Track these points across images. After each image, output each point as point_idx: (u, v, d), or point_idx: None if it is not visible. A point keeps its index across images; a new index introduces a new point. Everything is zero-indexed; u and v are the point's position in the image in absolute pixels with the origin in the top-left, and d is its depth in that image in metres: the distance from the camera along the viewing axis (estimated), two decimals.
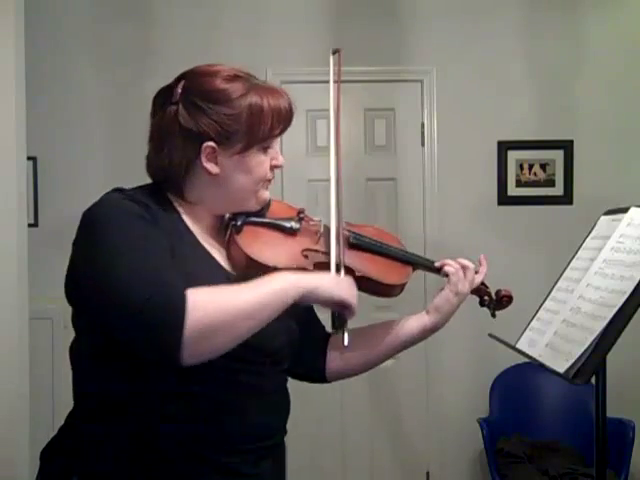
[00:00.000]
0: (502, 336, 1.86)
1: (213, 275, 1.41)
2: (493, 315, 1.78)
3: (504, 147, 4.04)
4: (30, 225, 3.24)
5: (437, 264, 1.71)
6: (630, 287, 1.52)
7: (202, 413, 1.35)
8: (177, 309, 1.20)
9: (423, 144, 4.07)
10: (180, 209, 1.45)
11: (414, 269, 1.69)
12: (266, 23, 4.01)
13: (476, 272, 1.72)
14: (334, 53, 1.66)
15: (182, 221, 1.44)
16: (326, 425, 4.04)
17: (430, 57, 4.04)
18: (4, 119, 2.86)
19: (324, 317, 1.70)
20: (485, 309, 1.78)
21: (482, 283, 1.75)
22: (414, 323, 1.68)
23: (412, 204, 4.06)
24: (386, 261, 1.65)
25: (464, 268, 1.69)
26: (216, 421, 1.36)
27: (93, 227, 1.32)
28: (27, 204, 3.15)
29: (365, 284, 1.55)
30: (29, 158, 3.31)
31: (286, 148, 4.00)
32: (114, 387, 1.35)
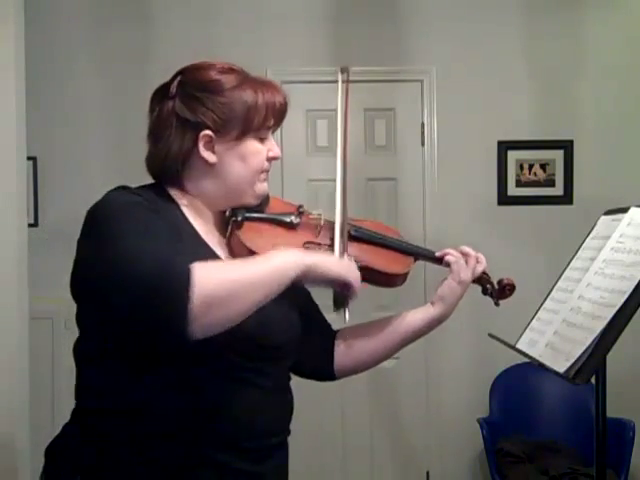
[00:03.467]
0: (502, 336, 1.86)
1: None
2: (497, 304, 1.76)
3: (504, 147, 4.04)
4: (30, 225, 3.24)
5: (438, 254, 1.71)
6: (630, 287, 1.51)
7: (202, 410, 1.36)
8: (183, 278, 1.20)
9: (423, 144, 4.07)
10: (182, 204, 1.47)
11: (415, 260, 1.69)
12: (266, 23, 4.01)
13: (477, 261, 1.70)
14: (343, 72, 1.71)
15: (184, 216, 1.45)
16: (326, 425, 4.04)
17: (430, 57, 4.04)
18: (4, 119, 2.86)
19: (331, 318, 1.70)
20: (488, 300, 1.76)
21: (483, 272, 1.73)
22: (420, 315, 1.67)
23: (412, 204, 4.06)
24: (387, 252, 1.65)
25: (466, 256, 1.69)
26: (216, 418, 1.37)
27: (99, 219, 1.34)
28: (27, 204, 3.15)
29: (368, 274, 1.55)
30: (29, 158, 3.31)
31: (286, 148, 4.00)
32: (116, 385, 1.36)
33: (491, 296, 1.75)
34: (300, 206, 1.59)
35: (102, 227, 1.32)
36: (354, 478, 4.05)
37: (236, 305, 1.25)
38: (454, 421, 4.02)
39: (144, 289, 1.20)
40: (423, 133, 4.06)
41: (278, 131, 4.38)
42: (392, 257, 1.65)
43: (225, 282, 1.25)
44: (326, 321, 1.72)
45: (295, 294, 1.58)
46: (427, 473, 4.07)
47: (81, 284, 1.38)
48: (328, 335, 1.70)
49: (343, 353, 1.67)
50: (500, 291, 1.75)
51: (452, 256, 1.69)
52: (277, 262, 1.32)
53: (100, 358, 1.38)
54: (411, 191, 4.07)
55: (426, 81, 4.04)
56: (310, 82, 3.99)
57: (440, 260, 1.71)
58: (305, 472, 4.00)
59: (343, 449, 4.05)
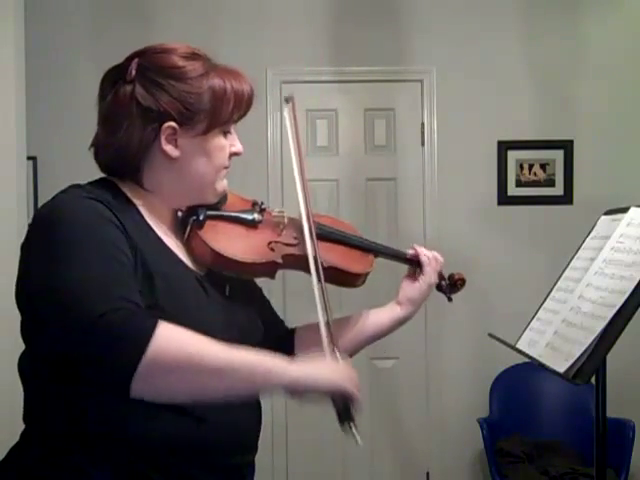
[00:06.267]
0: (502, 336, 1.87)
1: (182, 275, 1.32)
2: (450, 299, 1.78)
3: (504, 147, 4.04)
4: None
5: (410, 252, 1.68)
6: (630, 287, 1.52)
7: (179, 426, 1.25)
8: (142, 330, 1.09)
9: (423, 144, 4.06)
10: (136, 202, 1.35)
11: (376, 257, 1.66)
12: (266, 23, 4.01)
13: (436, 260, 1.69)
14: (287, 102, 1.58)
15: (141, 216, 1.33)
16: (326, 425, 4.02)
17: (430, 57, 4.04)
18: (4, 119, 2.87)
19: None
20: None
21: None
22: (386, 316, 1.63)
23: (412, 204, 4.06)
24: (348, 250, 1.61)
25: (435, 258, 1.67)
26: (190, 437, 1.26)
27: (53, 227, 1.22)
28: (27, 204, 3.15)
29: (331, 275, 1.51)
30: (29, 158, 3.31)
31: (286, 148, 4.00)
32: (76, 404, 1.23)
33: (444, 292, 1.76)
34: (256, 202, 1.51)
35: (58, 236, 1.19)
36: (354, 478, 4.05)
37: (189, 381, 1.12)
38: (454, 421, 4.01)
39: (90, 329, 1.08)
40: (423, 133, 4.06)
41: (278, 131, 4.40)
42: (354, 255, 1.61)
43: (186, 351, 1.11)
44: (280, 319, 1.63)
45: (250, 294, 1.51)
46: (427, 473, 4.06)
47: (24, 296, 1.27)
48: (286, 336, 1.61)
49: (302, 354, 1.52)
50: (452, 286, 1.76)
51: (426, 257, 1.65)
52: (260, 361, 1.18)
53: (51, 376, 1.25)
54: (411, 191, 4.07)
55: (426, 81, 4.04)
56: (310, 82, 3.99)
57: (404, 259, 1.69)
58: (305, 472, 4.00)
59: (343, 449, 4.04)
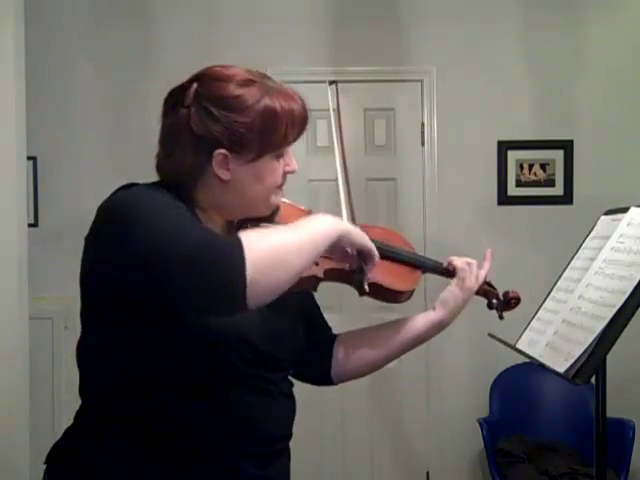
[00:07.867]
0: (502, 336, 1.87)
1: None
2: (501, 317, 1.76)
3: (504, 147, 4.04)
4: (30, 225, 3.24)
5: (445, 265, 1.70)
6: (630, 287, 1.52)
7: (211, 416, 1.36)
8: (234, 248, 1.18)
9: (423, 144, 4.07)
10: (194, 205, 1.43)
11: (423, 272, 1.67)
12: (266, 23, 4.01)
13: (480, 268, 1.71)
14: (331, 84, 1.65)
15: (198, 218, 1.41)
16: (326, 425, 4.04)
17: (430, 57, 4.04)
18: (4, 119, 2.86)
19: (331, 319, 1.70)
20: (493, 312, 1.76)
21: (488, 284, 1.73)
22: (421, 320, 1.67)
23: (412, 204, 4.06)
24: (395, 266, 1.61)
25: (469, 264, 1.69)
26: (226, 424, 1.37)
27: (123, 211, 1.29)
28: (27, 204, 3.15)
29: (375, 291, 1.51)
30: (29, 158, 3.31)
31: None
32: (125, 388, 1.35)
33: (496, 309, 1.75)
34: (309, 212, 1.55)
35: (129, 216, 1.26)
36: (354, 478, 4.05)
37: (284, 271, 1.22)
38: (454, 421, 4.01)
39: (194, 261, 1.16)
40: (423, 133, 4.06)
41: None
42: (400, 272, 1.62)
43: (272, 248, 1.22)
44: (327, 325, 1.70)
45: (300, 298, 1.57)
46: (427, 473, 4.06)
47: (93, 277, 1.33)
48: (328, 341, 1.68)
49: (342, 360, 1.66)
50: (505, 304, 1.75)
51: (458, 262, 1.69)
52: (318, 226, 1.32)
53: (107, 358, 1.36)
54: (411, 191, 4.07)
55: (426, 81, 4.04)
56: (310, 82, 3.98)
57: (447, 272, 1.70)
58: (305, 472, 3.99)
59: (343, 449, 4.05)
